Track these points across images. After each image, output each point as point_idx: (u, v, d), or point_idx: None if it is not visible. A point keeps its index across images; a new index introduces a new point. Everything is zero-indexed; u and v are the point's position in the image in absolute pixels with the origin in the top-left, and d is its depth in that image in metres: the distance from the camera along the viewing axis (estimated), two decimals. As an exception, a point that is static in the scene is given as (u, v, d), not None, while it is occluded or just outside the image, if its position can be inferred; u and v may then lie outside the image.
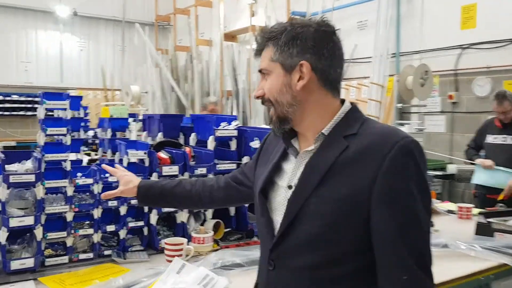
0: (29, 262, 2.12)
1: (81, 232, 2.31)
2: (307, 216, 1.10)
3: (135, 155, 2.46)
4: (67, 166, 2.27)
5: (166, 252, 2.23)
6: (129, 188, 1.62)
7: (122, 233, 2.43)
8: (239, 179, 1.53)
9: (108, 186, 2.28)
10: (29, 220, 2.11)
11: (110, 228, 2.39)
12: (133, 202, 2.30)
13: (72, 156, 2.47)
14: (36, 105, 10.17)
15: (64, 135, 2.26)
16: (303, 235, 1.11)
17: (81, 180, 2.30)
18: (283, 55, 1.14)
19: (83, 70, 11.16)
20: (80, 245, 2.38)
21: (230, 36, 9.85)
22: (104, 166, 1.90)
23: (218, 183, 1.57)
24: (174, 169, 2.49)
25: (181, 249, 2.24)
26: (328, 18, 1.20)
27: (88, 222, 2.45)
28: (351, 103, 1.19)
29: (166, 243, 2.23)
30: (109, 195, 1.67)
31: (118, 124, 2.88)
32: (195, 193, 1.57)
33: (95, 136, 4.17)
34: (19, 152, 2.39)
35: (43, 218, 2.20)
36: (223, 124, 2.65)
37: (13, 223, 2.08)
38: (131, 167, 2.51)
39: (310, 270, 1.11)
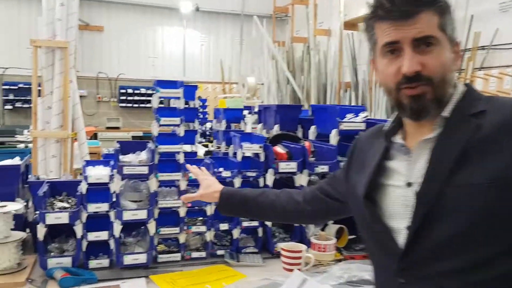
0: (142, 258, 2.02)
1: (194, 229, 2.16)
2: (446, 212, 0.94)
3: (249, 149, 2.25)
4: (180, 158, 2.13)
5: (283, 259, 1.99)
6: (209, 193, 1.55)
7: (236, 233, 2.24)
8: (326, 190, 1.39)
9: (222, 181, 2.09)
10: (142, 214, 2.02)
11: (223, 226, 2.22)
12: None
13: (186, 148, 2.32)
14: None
15: (178, 125, 2.12)
16: (442, 236, 0.95)
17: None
18: (450, 27, 1.02)
19: (204, 64, 11.52)
20: (193, 242, 2.24)
21: (351, 25, 9.33)
22: (188, 166, 1.73)
23: (305, 196, 1.43)
24: (292, 166, 2.23)
25: (300, 257, 1.97)
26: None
27: (200, 218, 2.30)
28: (465, 84, 1.08)
29: (283, 249, 1.98)
30: (188, 198, 1.64)
31: (233, 115, 2.71)
32: (279, 205, 1.46)
33: (212, 128, 4.13)
34: (134, 143, 2.33)
35: (156, 212, 2.09)
36: (349, 115, 2.32)
37: (127, 216, 1.99)
38: (245, 162, 2.31)
39: (452, 277, 0.95)
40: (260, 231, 2.28)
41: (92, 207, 1.99)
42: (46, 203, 2.02)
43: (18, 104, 9.72)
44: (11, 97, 9.71)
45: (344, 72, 9.06)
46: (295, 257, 1.97)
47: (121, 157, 2.05)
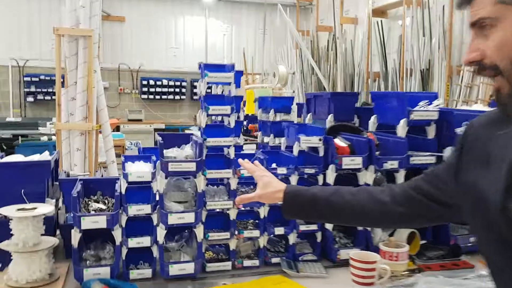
0: (189, 268, 1.76)
1: (246, 234, 1.89)
2: None
3: (308, 142, 1.96)
4: (231, 153, 1.86)
5: (353, 270, 1.70)
6: (268, 193, 1.34)
7: (292, 238, 1.96)
8: (425, 190, 1.14)
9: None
10: (189, 217, 1.75)
11: (279, 230, 1.94)
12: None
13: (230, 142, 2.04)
14: (183, 89, 10.53)
15: (228, 115, 1.85)
16: None
17: (246, 171, 1.86)
18: None
19: (226, 54, 11.25)
20: (243, 248, 1.97)
21: (379, 12, 8.92)
22: (240, 161, 1.49)
23: (393, 196, 1.19)
24: (356, 161, 1.94)
25: (374, 269, 1.69)
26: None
27: (251, 221, 2.03)
28: None
29: (353, 259, 1.70)
30: (244, 200, 1.41)
31: (281, 104, 2.42)
32: (358, 206, 1.22)
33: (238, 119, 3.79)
34: (177, 136, 2.07)
35: (204, 215, 1.83)
36: (421, 103, 2.02)
37: (172, 220, 1.73)
38: (301, 157, 2.03)
39: None
40: (318, 236, 2.00)
41: (133, 210, 1.74)
42: (80, 205, 1.77)
43: (39, 96, 9.60)
44: (32, 89, 9.59)
45: (373, 61, 8.70)
46: (368, 269, 1.68)
47: (165, 152, 1.78)
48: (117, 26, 10.31)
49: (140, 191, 1.87)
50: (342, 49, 9.13)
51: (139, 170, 1.77)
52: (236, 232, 1.88)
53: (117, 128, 8.82)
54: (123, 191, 1.75)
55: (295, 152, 1.97)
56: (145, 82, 10.43)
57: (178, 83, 10.53)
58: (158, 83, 10.42)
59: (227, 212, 1.87)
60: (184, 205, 1.83)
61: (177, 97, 10.59)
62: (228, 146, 1.85)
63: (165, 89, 10.45)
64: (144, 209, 1.75)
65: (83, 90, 3.43)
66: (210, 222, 1.89)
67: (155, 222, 1.79)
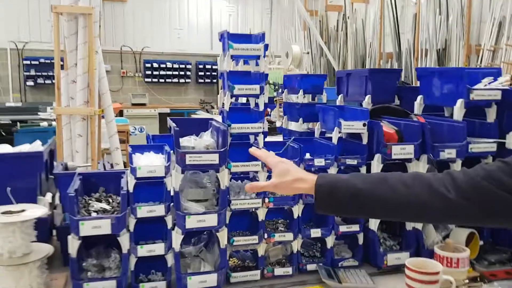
0: (211, 280, 1.46)
1: (278, 237, 1.59)
2: None
3: (349, 128, 1.64)
4: (259, 141, 1.55)
5: (410, 282, 1.40)
6: (286, 182, 1.10)
7: (330, 241, 1.66)
8: (508, 185, 0.90)
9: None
10: (211, 220, 1.45)
11: (315, 232, 1.64)
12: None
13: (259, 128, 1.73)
14: (188, 72, 10.18)
15: (257, 95, 1.53)
16: None
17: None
18: None
19: (232, 35, 10.84)
20: (273, 253, 1.67)
21: (393, -10, 8.51)
22: (252, 150, 1.23)
23: (458, 187, 0.95)
24: (407, 150, 1.62)
25: (436, 281, 1.39)
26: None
27: (281, 220, 1.73)
28: None
29: (410, 269, 1.40)
30: (255, 188, 1.17)
31: (311, 84, 2.09)
32: (416, 202, 0.98)
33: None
34: (192, 121, 1.77)
35: (227, 216, 1.53)
36: (484, 81, 1.69)
37: (191, 223, 1.43)
38: (341, 145, 1.72)
39: None
40: (360, 238, 1.69)
41: (143, 211, 1.44)
42: (79, 205, 1.47)
43: (40, 80, 9.26)
44: (32, 72, 9.24)
45: (385, 42, 8.32)
46: (430, 281, 1.38)
47: (180, 141, 1.47)
48: (119, 7, 9.90)
49: (151, 187, 1.57)
50: (352, 29, 8.75)
51: (150, 164, 1.47)
52: (266, 236, 1.57)
53: (120, 113, 8.52)
54: (131, 189, 1.45)
55: (335, 139, 1.65)
56: (148, 65, 10.07)
57: (182, 66, 10.17)
58: (162, 65, 10.05)
59: (255, 211, 1.57)
60: (204, 205, 1.52)
61: (182, 80, 10.23)
62: (257, 134, 1.54)
63: (169, 72, 10.09)
64: (157, 211, 1.45)
65: (84, 72, 3.23)
66: (233, 222, 1.59)
67: (169, 226, 1.49)
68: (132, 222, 1.45)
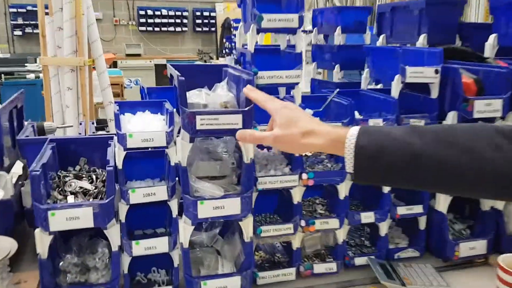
0: (233, 285, 1.08)
1: (319, 225, 1.19)
2: None
3: (417, 75, 1.21)
4: (296, 96, 1.12)
5: (502, 286, 1.02)
6: (292, 135, 0.77)
7: (385, 227, 1.27)
8: None
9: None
10: (232, 206, 1.04)
11: (367, 217, 1.24)
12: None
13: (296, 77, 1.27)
14: (184, 20, 9.55)
15: (294, 30, 1.08)
16: None
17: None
18: None
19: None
20: (310, 243, 1.28)
21: None
22: (246, 90, 0.91)
23: None
24: (494, 106, 1.19)
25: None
26: None
27: (318, 199, 1.33)
28: None
29: (504, 269, 1.01)
30: (248, 138, 0.84)
31: (352, 19, 1.63)
32: (491, 166, 0.66)
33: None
34: (199, 68, 1.33)
35: (253, 198, 1.12)
36: None
37: (205, 211, 1.02)
38: (407, 100, 1.28)
39: None
40: (422, 222, 1.30)
41: (138, 195, 1.03)
42: (51, 186, 1.06)
43: (28, 30, 8.64)
44: (20, 21, 8.60)
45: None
46: (538, 290, 1.00)
47: (188, 96, 1.03)
48: None
49: (148, 160, 1.16)
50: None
51: (145, 129, 1.04)
52: (303, 223, 1.18)
53: (114, 64, 7.99)
54: (120, 164, 1.03)
55: (395, 91, 1.22)
56: (142, 12, 9.40)
57: (179, 13, 9.51)
58: (157, 13, 9.40)
59: (290, 191, 1.16)
60: (221, 184, 1.11)
61: (178, 28, 9.60)
62: (292, 85, 1.10)
63: (164, 20, 9.45)
64: (157, 194, 1.04)
65: (71, 17, 2.90)
66: (256, 203, 1.18)
67: (174, 213, 1.08)
68: (123, 210, 1.05)
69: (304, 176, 1.15)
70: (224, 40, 8.31)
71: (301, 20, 1.05)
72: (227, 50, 7.84)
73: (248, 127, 1.01)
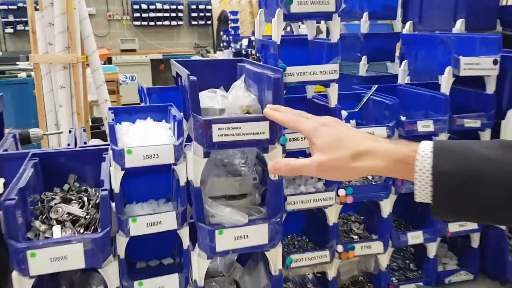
0: (260, 331, 0.87)
1: (359, 250, 0.98)
2: None
3: (472, 67, 1.00)
4: (331, 97, 0.91)
5: None
6: (341, 159, 0.60)
7: (433, 247, 1.07)
8: None
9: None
10: (258, 235, 0.84)
11: (415, 238, 1.03)
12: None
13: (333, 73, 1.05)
14: (180, 14, 9.32)
15: (329, 15, 0.87)
16: None
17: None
18: None
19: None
20: (345, 268, 1.08)
21: None
22: (268, 111, 0.74)
23: None
24: None
25: None
26: None
27: (354, 216, 1.13)
28: None
29: None
30: (284, 169, 0.65)
31: (380, 3, 1.42)
32: None
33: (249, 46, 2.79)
34: (208, 64, 1.11)
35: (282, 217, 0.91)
36: None
37: (225, 242, 0.82)
38: (455, 96, 1.07)
39: None
40: (475, 239, 1.10)
41: (140, 225, 0.82)
42: (32, 214, 0.85)
43: (19, 27, 8.37)
44: (11, 18, 8.34)
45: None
46: None
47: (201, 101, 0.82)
48: None
49: (151, 176, 0.95)
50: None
51: (148, 142, 0.83)
52: (340, 248, 0.97)
53: (108, 60, 7.75)
54: (117, 187, 0.83)
55: (446, 87, 1.01)
56: (136, 7, 9.15)
57: (174, 7, 9.27)
58: (152, 7, 9.16)
59: (323, 210, 0.96)
60: (241, 204, 0.90)
61: (174, 22, 9.35)
62: (328, 83, 0.89)
63: (159, 14, 9.21)
64: (163, 221, 0.84)
65: (62, 12, 2.79)
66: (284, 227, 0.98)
67: (185, 244, 0.88)
68: (122, 243, 0.84)
69: (342, 192, 0.94)
70: (222, 33, 8.07)
71: (338, 3, 0.84)
72: (224, 44, 7.61)
73: (276, 137, 0.81)
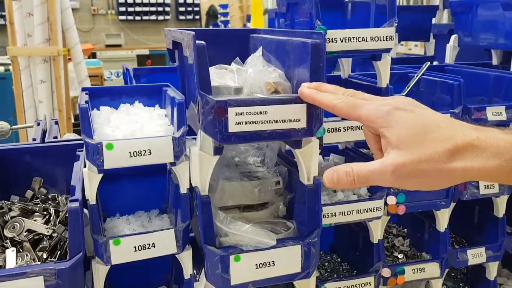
0: None
1: (411, 274, 0.76)
2: None
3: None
4: (385, 73, 0.69)
5: None
6: (433, 157, 0.40)
7: (494, 267, 0.85)
8: None
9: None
10: (288, 262, 0.61)
11: (476, 256, 0.82)
12: None
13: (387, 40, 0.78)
14: (167, 8, 9.07)
15: None
16: None
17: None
18: None
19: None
20: (386, 295, 0.86)
21: None
22: (304, 90, 0.53)
23: None
24: None
25: None
26: None
27: (395, 228, 0.91)
28: None
29: None
30: (348, 181, 0.44)
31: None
32: None
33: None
34: (212, 33, 0.86)
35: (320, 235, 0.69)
36: None
37: (242, 272, 0.59)
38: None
39: None
40: (543, 255, 0.89)
41: (125, 249, 0.59)
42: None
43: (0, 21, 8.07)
44: (-12, 11, 8.03)
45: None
46: None
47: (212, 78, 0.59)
48: None
49: (139, 179, 0.72)
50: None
51: (136, 134, 0.60)
52: (387, 272, 0.75)
53: (92, 56, 7.49)
54: (93, 197, 0.59)
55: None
56: (122, 1, 8.90)
57: (161, 1, 9.04)
58: (138, 1, 8.91)
59: (367, 223, 0.73)
60: (261, 216, 0.67)
61: (161, 17, 9.12)
62: (380, 53, 0.67)
63: (146, 8, 8.96)
64: (157, 243, 0.60)
65: (42, 1, 2.70)
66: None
67: (187, 273, 0.64)
68: (100, 274, 0.60)
69: (391, 200, 0.72)
70: (211, 27, 7.86)
71: None
72: (214, 39, 7.42)
73: (316, 126, 0.58)
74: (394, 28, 0.64)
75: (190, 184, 0.63)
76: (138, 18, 9.25)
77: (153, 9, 9.30)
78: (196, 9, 9.51)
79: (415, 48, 2.80)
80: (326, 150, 0.86)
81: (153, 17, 9.34)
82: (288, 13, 0.72)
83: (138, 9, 9.18)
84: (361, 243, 0.77)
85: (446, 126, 0.43)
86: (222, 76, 0.66)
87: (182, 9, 9.42)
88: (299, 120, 0.57)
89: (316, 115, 0.58)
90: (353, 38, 0.63)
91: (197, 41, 0.55)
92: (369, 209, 0.70)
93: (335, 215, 0.69)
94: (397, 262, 0.80)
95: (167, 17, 9.42)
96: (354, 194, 0.73)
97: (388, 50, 0.65)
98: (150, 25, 9.38)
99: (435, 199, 0.75)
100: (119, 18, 9.22)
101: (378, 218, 0.72)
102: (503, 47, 0.85)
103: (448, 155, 0.41)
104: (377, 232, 0.74)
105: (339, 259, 0.86)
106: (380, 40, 0.64)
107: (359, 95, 0.49)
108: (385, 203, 0.72)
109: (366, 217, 0.71)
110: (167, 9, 9.41)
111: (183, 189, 0.62)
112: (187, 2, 9.42)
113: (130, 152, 0.57)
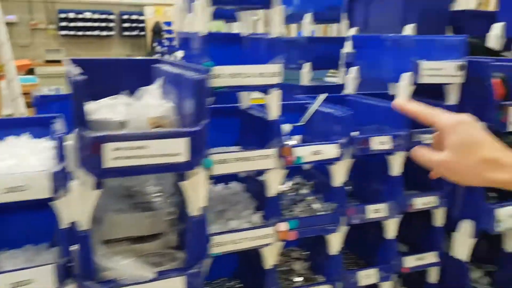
0: None
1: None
2: None
3: (434, 72, 0.85)
4: (271, 106, 0.72)
5: None
6: (469, 162, 0.58)
7: (386, 287, 0.90)
8: None
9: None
10: (172, 293, 0.61)
11: (367, 277, 0.86)
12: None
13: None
14: (110, 24, 8.91)
15: (267, 3, 0.67)
16: None
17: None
18: None
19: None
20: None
21: None
22: (398, 102, 0.57)
23: None
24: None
25: None
26: None
27: (296, 251, 0.94)
28: None
29: None
30: (421, 155, 0.60)
31: (327, 2, 1.25)
32: None
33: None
34: (116, 63, 0.87)
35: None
36: None
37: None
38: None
39: None
40: (433, 273, 0.95)
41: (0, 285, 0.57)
42: None
43: None
44: None
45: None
46: None
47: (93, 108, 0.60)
48: None
49: (28, 214, 0.70)
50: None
51: (12, 169, 0.59)
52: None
53: (30, 71, 7.19)
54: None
55: (404, 97, 0.86)
56: (63, 16, 8.64)
57: (104, 16, 8.85)
58: (80, 16, 8.68)
59: (258, 250, 0.75)
60: (151, 248, 0.68)
61: (104, 33, 8.91)
62: (266, 88, 0.70)
63: (88, 24, 8.75)
64: (36, 280, 0.59)
65: None
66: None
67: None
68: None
69: (283, 226, 0.75)
70: (155, 44, 7.78)
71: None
72: (159, 55, 7.34)
73: (198, 158, 0.60)
74: (280, 65, 0.68)
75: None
76: (80, 33, 9.00)
77: (96, 24, 9.07)
78: (141, 25, 9.39)
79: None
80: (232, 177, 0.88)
81: (96, 32, 9.12)
82: (185, 47, 0.74)
83: (80, 24, 8.93)
84: (257, 269, 0.79)
85: (486, 146, 0.57)
86: (112, 109, 0.67)
87: (126, 25, 9.26)
88: (179, 153, 0.58)
89: (198, 148, 0.59)
90: (240, 74, 0.66)
91: (74, 78, 0.56)
92: (260, 236, 0.73)
93: (227, 244, 0.71)
94: (292, 286, 0.83)
95: (110, 33, 9.22)
96: (247, 223, 0.75)
97: (275, 86, 0.69)
98: (93, 41, 9.16)
99: (325, 224, 0.78)
100: (60, 33, 8.95)
101: (269, 245, 0.74)
102: (390, 80, 0.91)
103: (483, 165, 0.56)
104: (269, 259, 0.76)
105: (241, 285, 0.88)
106: (266, 76, 0.67)
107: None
108: (276, 230, 0.75)
109: (257, 244, 0.73)
110: (111, 24, 9.22)
111: (64, 224, 0.61)
112: (131, 19, 9.28)
113: (5, 188, 0.56)
